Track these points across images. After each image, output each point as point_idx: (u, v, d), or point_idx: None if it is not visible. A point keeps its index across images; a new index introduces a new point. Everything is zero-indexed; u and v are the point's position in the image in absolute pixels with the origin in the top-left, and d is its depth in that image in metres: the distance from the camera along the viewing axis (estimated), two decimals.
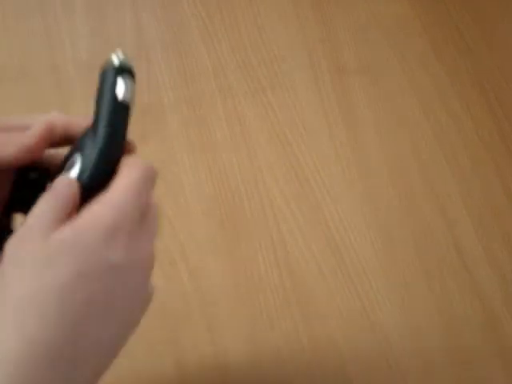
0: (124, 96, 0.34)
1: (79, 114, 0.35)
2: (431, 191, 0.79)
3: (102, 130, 0.33)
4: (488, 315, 0.72)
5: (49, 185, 0.32)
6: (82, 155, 0.32)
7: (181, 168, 0.75)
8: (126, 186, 0.30)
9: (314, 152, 0.79)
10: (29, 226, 0.28)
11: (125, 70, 0.34)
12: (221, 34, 0.85)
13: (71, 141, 0.35)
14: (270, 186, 0.76)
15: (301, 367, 0.67)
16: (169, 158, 0.76)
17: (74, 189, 0.30)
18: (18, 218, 0.36)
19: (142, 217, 0.31)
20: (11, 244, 0.27)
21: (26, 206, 0.32)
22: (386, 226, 0.75)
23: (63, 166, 0.33)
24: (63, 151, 0.37)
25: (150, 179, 0.32)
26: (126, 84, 0.34)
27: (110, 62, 0.34)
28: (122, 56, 0.34)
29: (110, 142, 0.33)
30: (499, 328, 0.72)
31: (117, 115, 0.35)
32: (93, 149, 0.32)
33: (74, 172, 0.31)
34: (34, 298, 0.25)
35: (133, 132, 0.79)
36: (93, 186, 0.31)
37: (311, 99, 0.83)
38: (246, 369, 0.65)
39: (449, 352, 0.70)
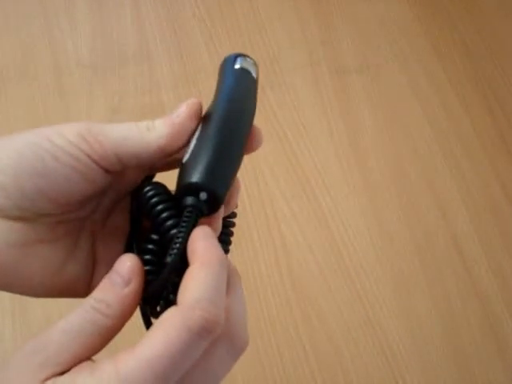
0: (242, 65, 0.29)
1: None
2: (431, 191, 0.79)
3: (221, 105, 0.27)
4: (487, 315, 0.73)
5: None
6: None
7: None
8: (165, 345, 0.21)
9: (314, 152, 0.79)
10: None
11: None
12: (221, 34, 0.86)
13: None
14: (270, 185, 0.76)
15: (301, 367, 0.67)
16: None
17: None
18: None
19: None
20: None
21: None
22: (385, 225, 0.76)
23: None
24: None
25: (203, 335, 0.22)
26: (245, 60, 0.29)
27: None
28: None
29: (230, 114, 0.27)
30: (499, 328, 0.72)
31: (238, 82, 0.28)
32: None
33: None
34: None
35: None
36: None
37: (311, 99, 0.83)
38: (246, 368, 0.66)
39: (448, 352, 0.70)
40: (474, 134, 0.84)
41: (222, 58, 0.30)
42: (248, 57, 0.30)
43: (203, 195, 0.25)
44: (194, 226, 0.25)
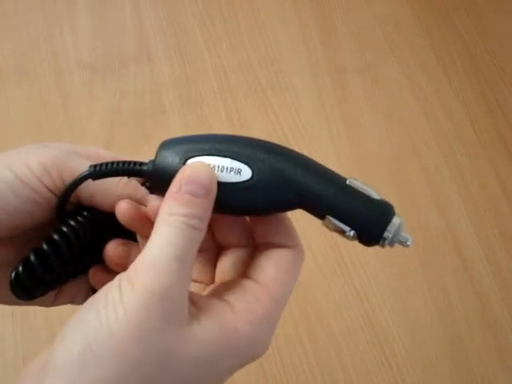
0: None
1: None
2: (431, 191, 0.79)
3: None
4: (487, 315, 0.73)
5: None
6: None
7: None
8: (289, 285, 0.27)
9: (314, 152, 0.79)
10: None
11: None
12: (221, 35, 0.86)
13: None
14: None
15: (301, 366, 0.67)
16: None
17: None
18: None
19: None
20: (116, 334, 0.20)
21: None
22: None
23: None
24: None
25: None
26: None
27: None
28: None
29: None
30: (498, 327, 0.72)
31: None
32: None
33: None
34: None
35: (135, 132, 0.79)
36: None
37: (311, 99, 0.83)
38: (245, 368, 0.66)
39: (448, 352, 0.70)
40: (474, 133, 0.84)
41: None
42: None
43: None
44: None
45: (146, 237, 0.23)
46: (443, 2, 0.94)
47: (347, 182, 0.26)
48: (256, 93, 0.81)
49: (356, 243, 0.26)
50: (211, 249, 0.29)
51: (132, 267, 0.22)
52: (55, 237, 0.26)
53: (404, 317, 0.71)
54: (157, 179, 0.25)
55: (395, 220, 0.26)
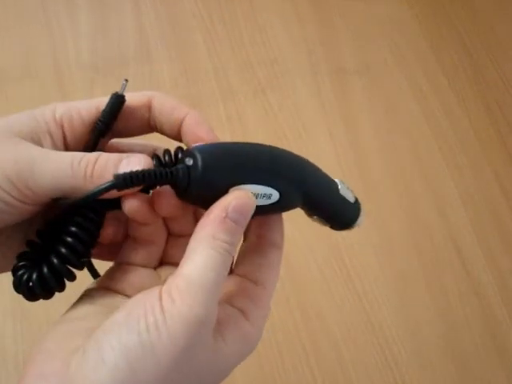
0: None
1: None
2: (430, 191, 0.79)
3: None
4: (486, 315, 0.73)
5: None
6: None
7: None
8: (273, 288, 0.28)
9: (314, 152, 0.79)
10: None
11: None
12: (221, 35, 0.86)
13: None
14: None
15: (301, 367, 0.67)
16: None
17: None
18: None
19: None
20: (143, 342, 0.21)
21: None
22: (385, 226, 0.76)
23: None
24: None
25: None
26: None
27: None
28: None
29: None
30: (497, 328, 0.72)
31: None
32: None
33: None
34: None
35: None
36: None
37: (311, 99, 0.83)
38: (245, 368, 0.66)
39: (448, 352, 0.70)
40: (473, 134, 0.84)
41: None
42: None
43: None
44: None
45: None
46: (443, 3, 0.94)
47: (340, 191, 0.31)
48: (256, 93, 0.81)
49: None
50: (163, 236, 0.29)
51: (174, 286, 0.22)
52: (63, 250, 0.25)
53: (404, 317, 0.71)
54: (196, 191, 0.25)
55: (361, 218, 0.32)
